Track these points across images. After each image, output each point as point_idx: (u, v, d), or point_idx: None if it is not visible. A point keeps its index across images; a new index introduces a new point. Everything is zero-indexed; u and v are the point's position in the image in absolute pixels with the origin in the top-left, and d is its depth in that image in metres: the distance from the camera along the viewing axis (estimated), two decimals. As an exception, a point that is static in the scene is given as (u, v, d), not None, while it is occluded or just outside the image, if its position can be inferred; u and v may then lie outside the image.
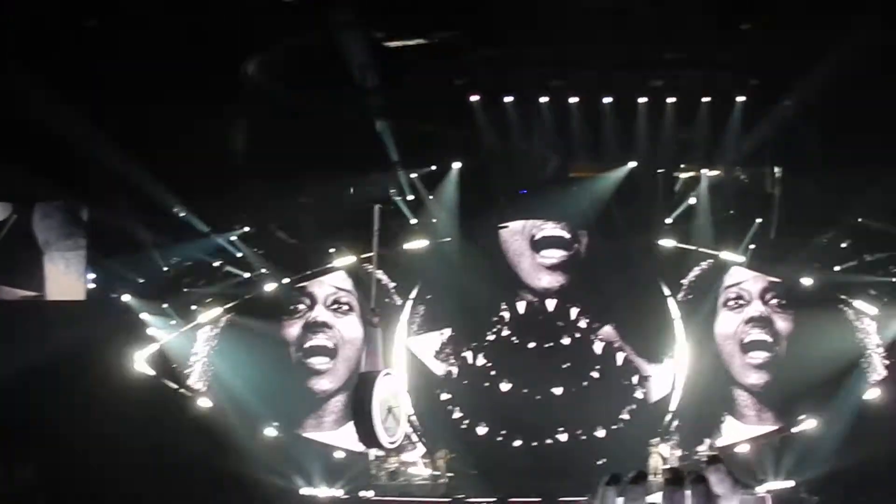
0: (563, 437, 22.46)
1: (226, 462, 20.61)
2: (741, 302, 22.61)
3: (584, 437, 22.46)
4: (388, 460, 21.86)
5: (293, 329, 22.79)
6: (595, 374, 22.67)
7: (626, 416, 22.54)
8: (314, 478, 21.75)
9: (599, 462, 21.33)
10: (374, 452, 21.32)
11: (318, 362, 22.75)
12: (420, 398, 22.43)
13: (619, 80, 20.59)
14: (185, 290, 22.09)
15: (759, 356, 22.41)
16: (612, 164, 22.12)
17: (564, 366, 22.74)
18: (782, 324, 22.39)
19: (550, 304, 23.02)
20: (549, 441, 22.48)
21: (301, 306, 22.80)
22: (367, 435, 16.21)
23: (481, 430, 22.66)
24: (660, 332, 22.66)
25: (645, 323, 22.68)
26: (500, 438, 22.59)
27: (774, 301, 22.42)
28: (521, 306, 23.08)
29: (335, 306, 22.86)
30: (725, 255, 22.29)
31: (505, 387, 22.77)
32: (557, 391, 22.61)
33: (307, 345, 22.77)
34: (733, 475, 15.06)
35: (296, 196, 22.12)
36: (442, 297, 22.97)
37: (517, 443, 22.54)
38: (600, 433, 22.44)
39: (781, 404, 22.07)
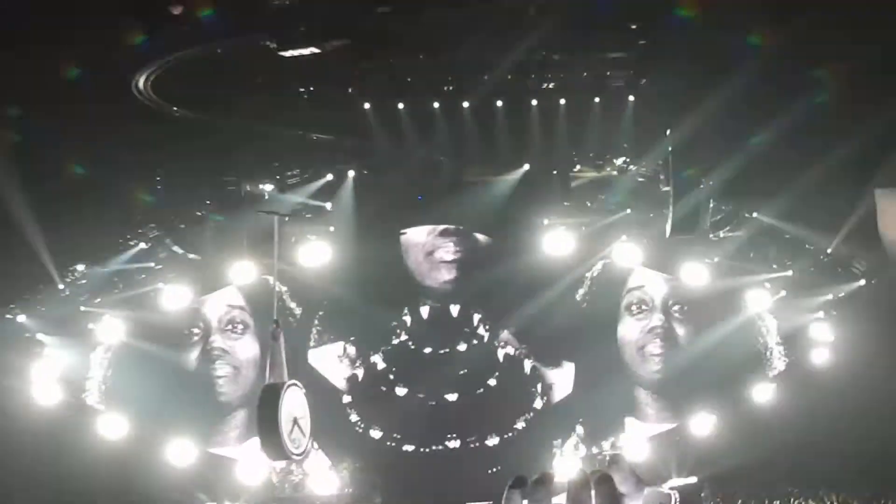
0: (454, 444, 22.49)
1: (129, 483, 20.28)
2: (644, 308, 22.76)
3: (475, 445, 22.48)
4: (292, 472, 21.71)
5: (191, 354, 22.52)
6: (492, 382, 22.74)
7: (520, 425, 22.55)
8: (219, 494, 21.49)
9: (492, 470, 21.47)
10: (278, 465, 21.15)
11: (219, 388, 22.52)
12: (320, 404, 22.22)
13: (511, 84, 20.68)
14: (81, 308, 21.63)
15: (660, 365, 22.57)
16: (507, 168, 22.29)
17: (461, 372, 22.79)
18: (683, 330, 22.61)
19: (454, 309, 23.08)
20: (439, 447, 22.50)
21: (196, 330, 22.53)
22: (274, 447, 16.02)
23: (375, 433, 22.59)
24: (562, 335, 22.61)
25: (547, 327, 22.58)
26: (391, 443, 22.52)
27: (676, 308, 22.63)
28: (424, 311, 23.10)
29: (230, 327, 22.62)
30: (617, 254, 22.48)
31: (401, 391, 22.75)
32: (451, 397, 22.66)
33: (206, 372, 22.50)
34: (636, 473, 15.19)
35: (193, 210, 21.85)
36: (343, 306, 22.81)
37: (408, 448, 22.50)
38: (493, 441, 22.48)
39: (682, 404, 22.25)
